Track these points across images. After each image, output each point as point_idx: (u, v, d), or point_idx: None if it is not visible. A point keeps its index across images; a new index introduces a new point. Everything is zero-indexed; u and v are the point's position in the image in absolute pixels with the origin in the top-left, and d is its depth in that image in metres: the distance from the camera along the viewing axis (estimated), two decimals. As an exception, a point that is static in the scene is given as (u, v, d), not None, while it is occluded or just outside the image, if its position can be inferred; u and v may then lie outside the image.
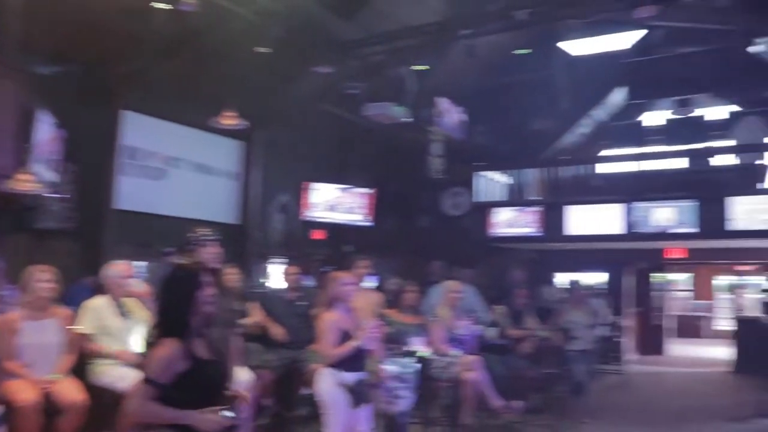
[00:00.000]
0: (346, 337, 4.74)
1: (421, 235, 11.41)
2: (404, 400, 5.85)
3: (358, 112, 9.44)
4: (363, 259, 6.72)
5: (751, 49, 11.67)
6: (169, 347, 2.84)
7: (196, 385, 2.86)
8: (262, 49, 7.80)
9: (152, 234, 8.12)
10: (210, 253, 4.79)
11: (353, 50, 8.49)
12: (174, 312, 2.94)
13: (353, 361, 4.75)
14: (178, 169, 9.25)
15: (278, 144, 10.28)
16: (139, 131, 8.49)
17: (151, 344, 3.20)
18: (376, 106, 9.35)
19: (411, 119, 9.48)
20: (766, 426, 7.97)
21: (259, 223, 10.27)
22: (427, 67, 9.32)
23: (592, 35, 10.15)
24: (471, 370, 6.53)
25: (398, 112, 9.37)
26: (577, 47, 10.61)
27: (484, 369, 6.69)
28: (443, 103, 10.82)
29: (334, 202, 10.90)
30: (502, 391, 6.83)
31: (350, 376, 4.70)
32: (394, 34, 8.18)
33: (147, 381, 2.83)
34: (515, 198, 12.35)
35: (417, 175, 11.03)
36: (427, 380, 6.43)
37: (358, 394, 4.72)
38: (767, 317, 13.21)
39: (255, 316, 6.44)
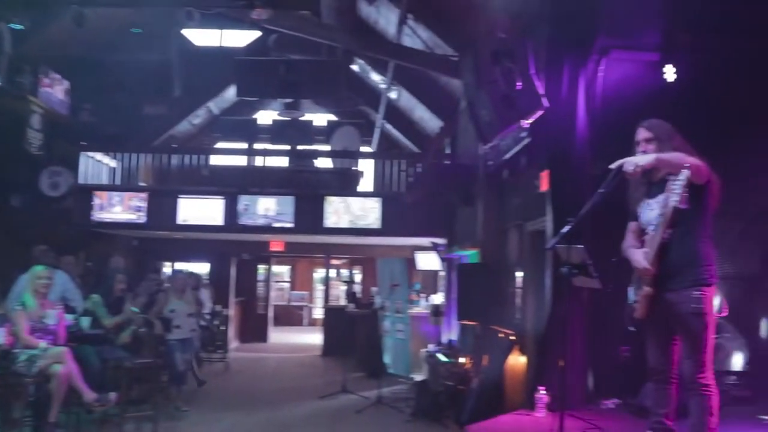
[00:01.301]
0: None
1: (13, 216, 10.22)
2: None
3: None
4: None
5: (352, 66, 13.08)
6: None
7: None
8: None
9: None
10: None
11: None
12: None
13: None
14: None
15: None
16: None
17: None
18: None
19: (4, 84, 8.53)
20: (349, 400, 9.15)
21: None
22: (23, 27, 8.44)
23: (213, 28, 10.30)
24: (61, 362, 6.11)
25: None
26: (198, 37, 10.65)
27: (75, 361, 6.32)
28: (47, 73, 10.03)
29: None
30: (97, 384, 6.54)
31: None
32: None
33: None
34: (122, 183, 11.85)
35: (11, 149, 9.94)
36: (9, 376, 5.93)
37: None
38: (350, 306, 14.93)
39: None
